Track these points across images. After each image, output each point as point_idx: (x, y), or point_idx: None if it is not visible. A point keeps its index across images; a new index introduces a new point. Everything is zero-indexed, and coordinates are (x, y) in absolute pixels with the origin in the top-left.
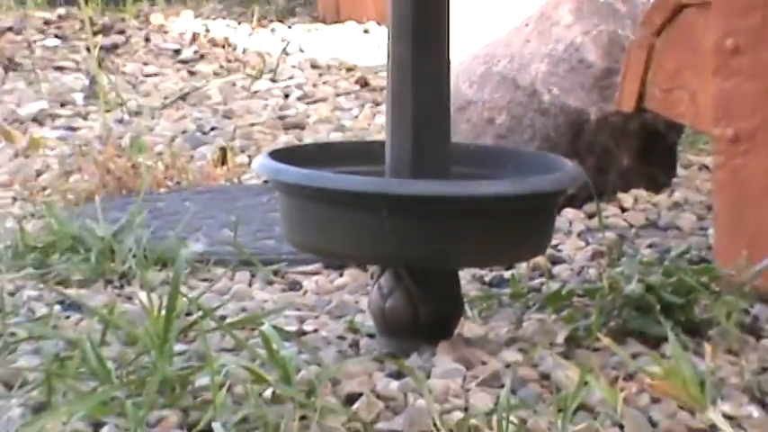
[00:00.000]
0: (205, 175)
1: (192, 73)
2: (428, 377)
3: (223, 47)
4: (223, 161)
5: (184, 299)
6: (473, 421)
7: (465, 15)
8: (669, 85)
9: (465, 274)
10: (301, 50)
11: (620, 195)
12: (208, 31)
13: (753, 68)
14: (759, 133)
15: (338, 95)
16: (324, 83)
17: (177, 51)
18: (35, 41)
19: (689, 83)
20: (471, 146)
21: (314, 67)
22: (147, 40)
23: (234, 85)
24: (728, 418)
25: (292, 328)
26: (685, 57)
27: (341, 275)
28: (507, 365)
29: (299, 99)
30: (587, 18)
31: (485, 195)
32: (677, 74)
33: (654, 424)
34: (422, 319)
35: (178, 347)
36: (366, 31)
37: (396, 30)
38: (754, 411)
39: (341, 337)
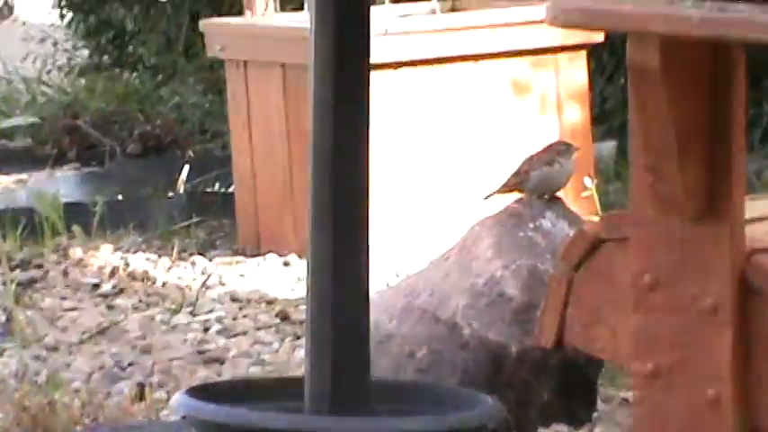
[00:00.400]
0: (123, 411)
1: (110, 307)
2: None
3: (142, 280)
4: (141, 397)
5: None
6: None
7: (385, 247)
8: (589, 320)
9: None
10: (221, 283)
11: (541, 431)
12: (127, 264)
13: (671, 304)
14: (677, 369)
15: (258, 329)
16: (244, 316)
17: (96, 285)
18: None
19: (608, 318)
20: (391, 381)
21: (234, 300)
22: (66, 274)
23: (153, 319)
24: None
25: None
26: (604, 291)
27: None
28: None
29: (219, 333)
30: (507, 252)
31: None
32: (596, 309)
33: None
34: None
35: None
36: (287, 264)
37: (314, 263)
38: None
39: None
